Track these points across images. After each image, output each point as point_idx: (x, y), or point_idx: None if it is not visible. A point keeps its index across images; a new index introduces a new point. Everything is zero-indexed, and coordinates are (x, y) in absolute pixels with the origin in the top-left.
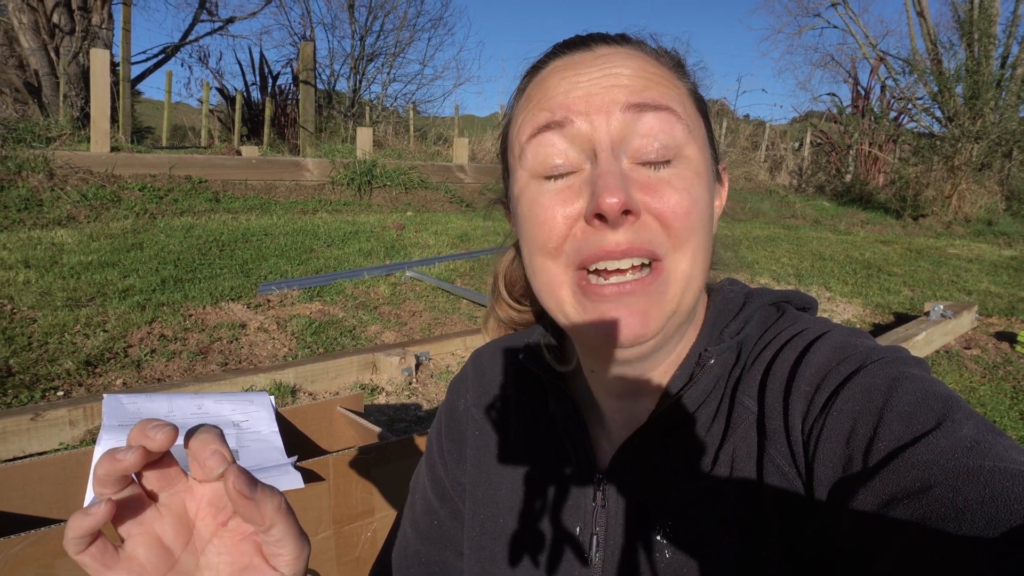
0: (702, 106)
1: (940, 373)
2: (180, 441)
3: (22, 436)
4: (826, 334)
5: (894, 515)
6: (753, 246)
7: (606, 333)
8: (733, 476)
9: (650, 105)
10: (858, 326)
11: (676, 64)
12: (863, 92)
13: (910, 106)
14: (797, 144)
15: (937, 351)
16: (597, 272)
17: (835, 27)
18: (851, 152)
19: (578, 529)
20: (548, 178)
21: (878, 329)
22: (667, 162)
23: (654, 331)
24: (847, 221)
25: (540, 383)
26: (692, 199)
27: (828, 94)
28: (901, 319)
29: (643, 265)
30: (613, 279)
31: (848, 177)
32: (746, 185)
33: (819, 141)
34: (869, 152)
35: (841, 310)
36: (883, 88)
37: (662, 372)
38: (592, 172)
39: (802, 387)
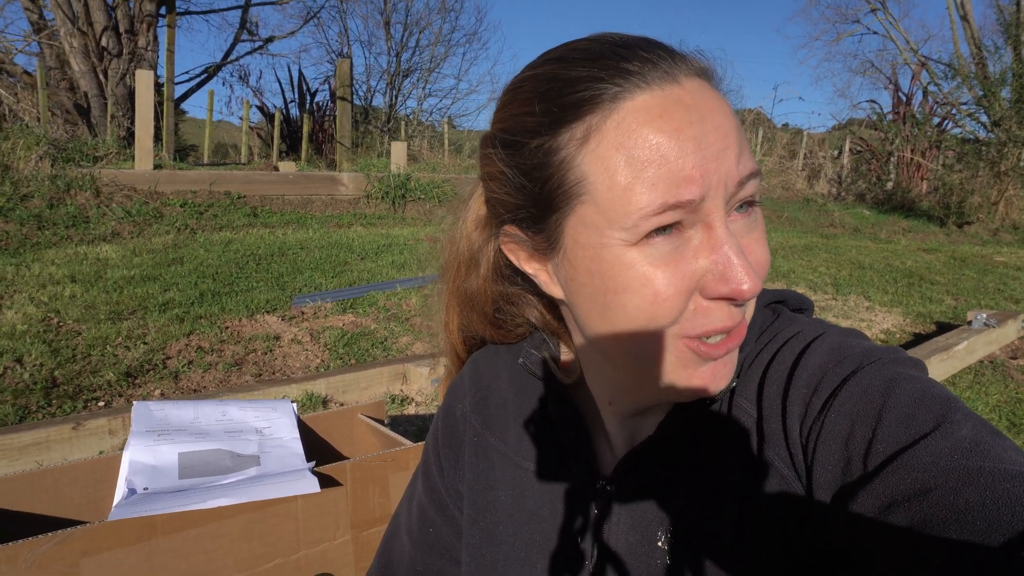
0: None
1: (984, 384)
2: (200, 447)
3: (64, 445)
4: (822, 336)
5: (894, 518)
6: (790, 255)
7: (704, 388)
8: (733, 481)
9: (753, 174)
10: (897, 336)
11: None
12: (904, 98)
13: (954, 111)
14: (836, 152)
15: (980, 361)
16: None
17: (875, 33)
18: (892, 159)
19: (579, 536)
20: (648, 240)
21: (918, 339)
22: (751, 207)
23: None
24: (888, 229)
25: (540, 388)
26: (768, 249)
27: (868, 101)
28: (943, 328)
29: None
30: (715, 337)
31: (889, 185)
32: (783, 194)
33: (859, 149)
34: (911, 159)
35: (880, 320)
36: (925, 93)
37: None
38: (705, 239)
39: (799, 389)
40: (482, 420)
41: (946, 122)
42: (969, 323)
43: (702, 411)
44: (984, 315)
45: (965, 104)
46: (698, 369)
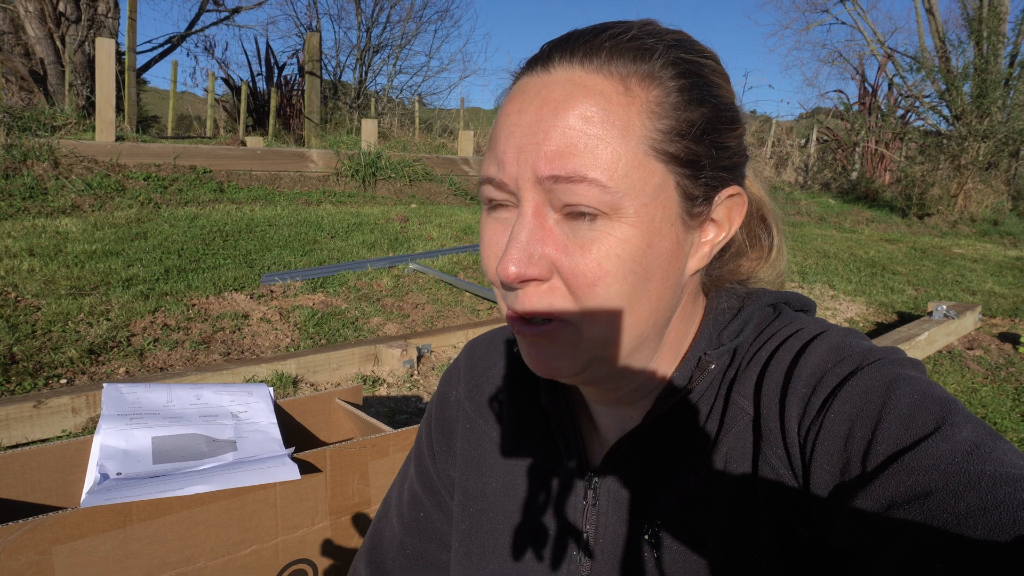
0: (688, 118)
1: (942, 373)
2: (174, 431)
3: (24, 423)
4: (822, 334)
5: (894, 520)
6: None
7: (529, 363)
8: (726, 476)
9: (564, 178)
10: (861, 325)
11: (660, 65)
12: (870, 89)
13: (917, 104)
14: (803, 141)
15: (939, 351)
16: None
17: (843, 23)
18: (857, 150)
19: (568, 526)
20: (491, 207)
21: (881, 328)
22: (594, 217)
23: (569, 374)
24: (852, 219)
25: (534, 377)
26: (604, 270)
27: (835, 91)
28: (904, 318)
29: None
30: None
31: (854, 175)
32: None
33: (825, 138)
34: (875, 150)
35: (844, 308)
36: (890, 85)
37: (655, 376)
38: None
39: (798, 388)
40: (475, 407)
41: (909, 114)
42: (930, 314)
43: (693, 405)
44: (944, 307)
45: (928, 97)
46: (525, 347)
